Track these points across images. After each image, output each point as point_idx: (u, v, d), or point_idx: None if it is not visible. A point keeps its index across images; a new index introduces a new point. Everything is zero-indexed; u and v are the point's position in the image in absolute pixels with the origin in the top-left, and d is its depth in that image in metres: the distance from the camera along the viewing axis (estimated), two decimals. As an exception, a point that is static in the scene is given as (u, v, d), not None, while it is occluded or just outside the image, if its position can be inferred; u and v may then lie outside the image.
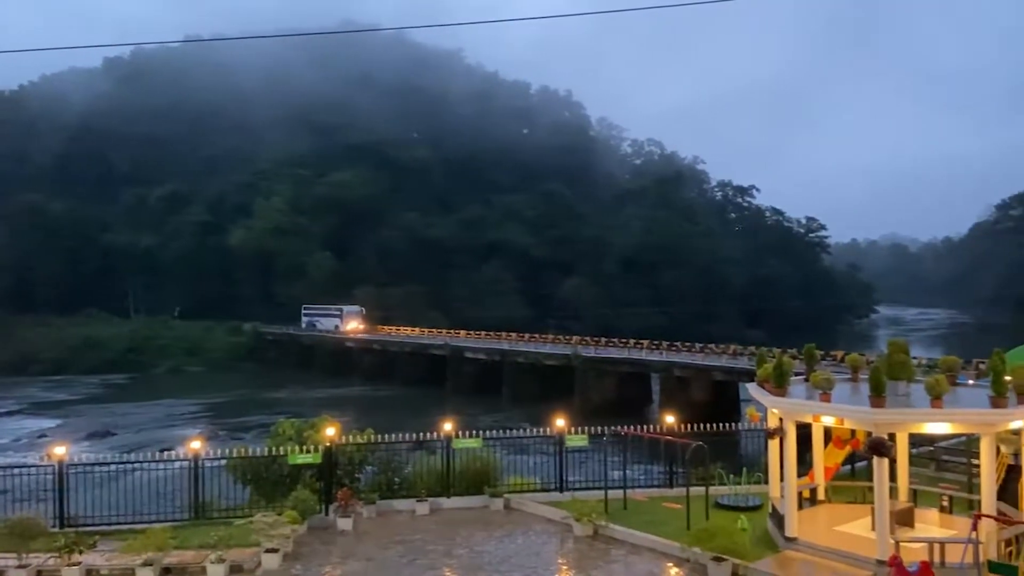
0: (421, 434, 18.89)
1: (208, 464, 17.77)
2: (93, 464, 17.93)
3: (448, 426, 18.59)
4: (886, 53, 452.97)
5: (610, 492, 17.77)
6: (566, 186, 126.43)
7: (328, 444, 17.88)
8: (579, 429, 19.27)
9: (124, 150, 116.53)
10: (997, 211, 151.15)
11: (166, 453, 18.94)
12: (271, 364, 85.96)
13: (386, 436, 18.87)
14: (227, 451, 18.38)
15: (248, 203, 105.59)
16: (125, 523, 16.82)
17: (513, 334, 72.35)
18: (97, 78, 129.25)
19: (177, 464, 17.92)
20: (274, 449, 18.00)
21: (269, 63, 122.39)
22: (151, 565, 14.06)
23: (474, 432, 19.04)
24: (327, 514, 17.28)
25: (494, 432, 19.56)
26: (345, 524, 16.73)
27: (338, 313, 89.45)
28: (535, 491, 18.86)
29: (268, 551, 14.54)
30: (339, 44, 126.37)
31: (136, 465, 18.50)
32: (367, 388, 70.16)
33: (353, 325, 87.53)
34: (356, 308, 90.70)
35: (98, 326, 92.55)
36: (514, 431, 19.99)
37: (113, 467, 18.25)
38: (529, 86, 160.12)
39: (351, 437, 18.70)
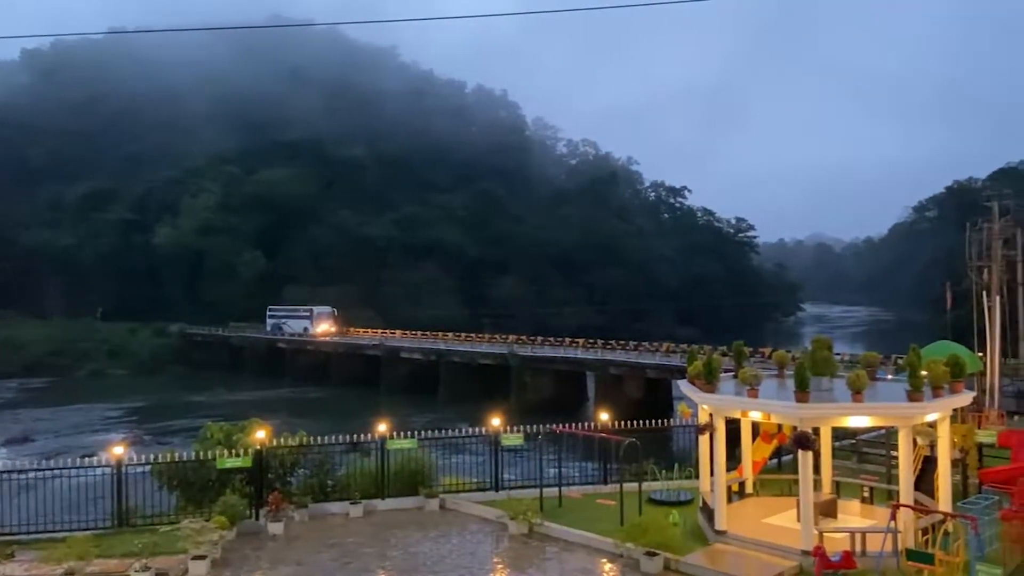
0: (355, 436, 18.66)
1: (132, 470, 17.23)
2: (10, 472, 17.14)
3: (382, 427, 18.42)
4: (815, 58, 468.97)
5: (545, 490, 17.87)
6: (502, 186, 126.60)
7: (258, 447, 17.52)
8: (515, 428, 19.33)
9: (43, 145, 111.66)
10: (915, 212, 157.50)
11: (88, 459, 18.21)
12: (199, 366, 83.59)
13: (319, 438, 18.58)
14: (152, 456, 17.82)
15: (175, 201, 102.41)
16: (45, 532, 16.22)
17: (449, 333, 72.18)
18: (15, 71, 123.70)
19: (99, 470, 17.27)
20: (202, 453, 17.52)
21: (198, 57, 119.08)
22: (73, 574, 13.55)
23: (409, 433, 18.90)
24: (257, 519, 16.92)
25: (429, 432, 19.41)
26: (276, 528, 16.41)
27: (308, 314, 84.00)
28: (470, 491, 18.84)
29: (195, 558, 14.17)
30: (270, 39, 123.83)
31: (56, 472, 17.75)
32: (299, 390, 68.93)
33: (324, 327, 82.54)
34: (327, 309, 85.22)
35: (16, 328, 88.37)
36: (449, 431, 19.85)
37: (32, 474, 17.50)
38: (465, 85, 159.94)
39: (282, 440, 18.36)
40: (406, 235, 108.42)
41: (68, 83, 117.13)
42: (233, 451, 17.34)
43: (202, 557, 14.21)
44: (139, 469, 17.46)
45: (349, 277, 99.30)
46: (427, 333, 73.60)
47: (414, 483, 18.44)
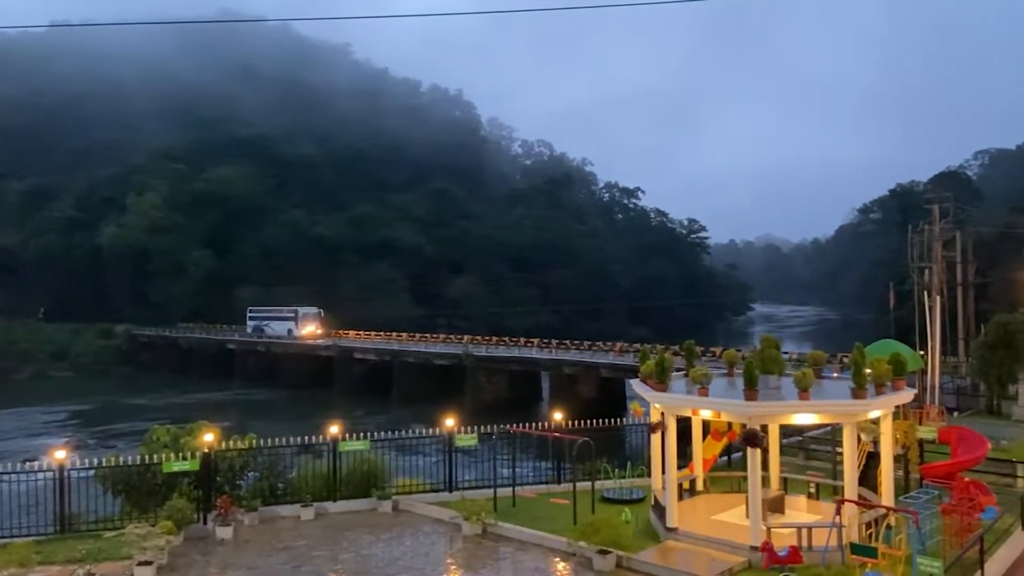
0: (307, 437, 18.43)
1: (75, 474, 16.72)
2: (-54, 478, 16.52)
3: (334, 428, 18.22)
4: (765, 61, 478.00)
5: (499, 490, 17.88)
6: (457, 185, 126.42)
7: (206, 450, 17.18)
8: (469, 428, 19.29)
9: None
10: (860, 214, 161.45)
11: (29, 464, 17.64)
12: (146, 368, 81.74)
13: (269, 440, 18.30)
14: (96, 460, 17.35)
15: (121, 199, 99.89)
16: (-18, 539, 15.63)
17: (403, 334, 71.74)
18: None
19: (40, 475, 16.74)
20: (147, 457, 17.13)
21: (144, 52, 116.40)
22: (11, 583, 13.15)
23: (362, 434, 18.73)
24: (206, 523, 16.60)
25: (383, 434, 19.25)
26: (225, 533, 16.12)
27: (292, 315, 79.27)
28: (424, 492, 18.75)
29: (141, 564, 13.85)
30: (220, 34, 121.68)
31: (-6, 477, 17.15)
32: (250, 391, 67.77)
33: (310, 329, 78.17)
34: (313, 310, 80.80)
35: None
36: (403, 432, 19.72)
37: (-32, 481, 16.87)
38: (420, 84, 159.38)
39: (232, 442, 18.04)
40: (360, 234, 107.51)
41: (8, 77, 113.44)
42: (180, 454, 16.98)
43: (148, 563, 13.89)
44: (82, 473, 16.96)
45: (301, 277, 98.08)
46: (381, 333, 73.06)
47: (367, 485, 18.29)
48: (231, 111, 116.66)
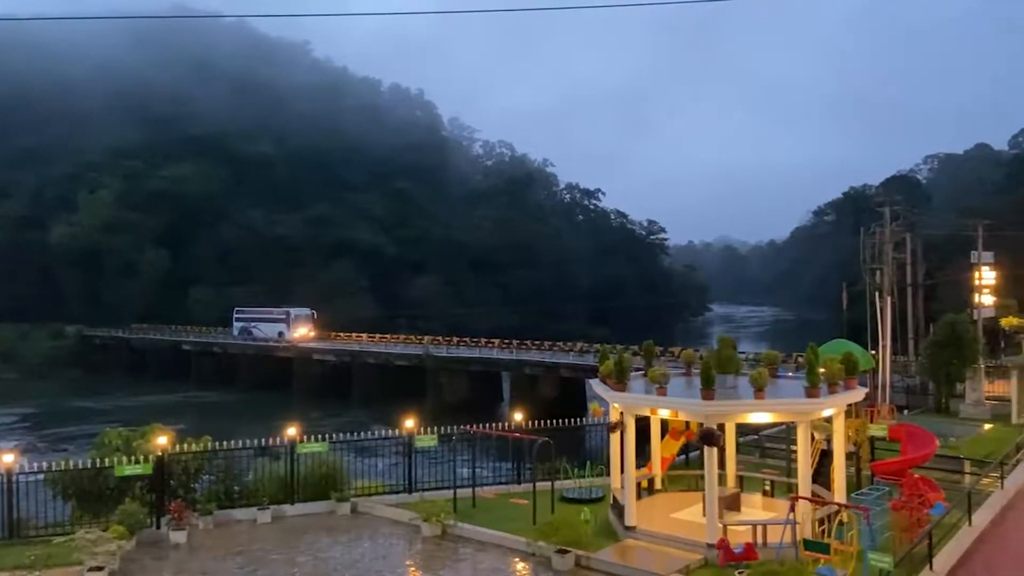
0: (264, 440, 18.20)
1: (24, 479, 16.29)
2: None
3: (292, 430, 18.03)
4: (724, 64, 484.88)
5: (459, 491, 17.86)
6: (418, 185, 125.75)
7: (160, 453, 16.88)
8: (429, 429, 19.23)
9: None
10: (814, 217, 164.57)
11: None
12: (98, 370, 79.87)
13: (225, 443, 18.03)
14: (46, 464, 16.91)
15: (72, 197, 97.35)
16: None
17: (363, 334, 71.15)
18: None
19: (-14, 481, 16.27)
20: (99, 460, 16.75)
21: (97, 48, 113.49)
22: (-45, 591, 12.76)
23: (320, 436, 18.55)
24: (159, 527, 16.31)
25: (342, 435, 19.09)
26: (178, 537, 15.84)
27: (283, 317, 75.33)
28: (383, 493, 18.64)
29: (92, 569, 13.59)
30: (175, 31, 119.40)
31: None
32: (206, 393, 66.68)
33: (303, 331, 74.25)
34: (305, 311, 76.62)
35: None
36: (363, 434, 19.56)
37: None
38: (380, 83, 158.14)
39: (186, 445, 17.73)
40: (319, 234, 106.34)
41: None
42: (133, 458, 16.65)
43: (99, 568, 13.62)
44: (31, 478, 16.52)
45: (259, 277, 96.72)
46: (340, 334, 72.36)
47: (325, 487, 18.11)
48: (186, 108, 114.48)
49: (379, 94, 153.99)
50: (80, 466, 16.83)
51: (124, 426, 19.40)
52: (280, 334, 74.18)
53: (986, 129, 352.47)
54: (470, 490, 18.15)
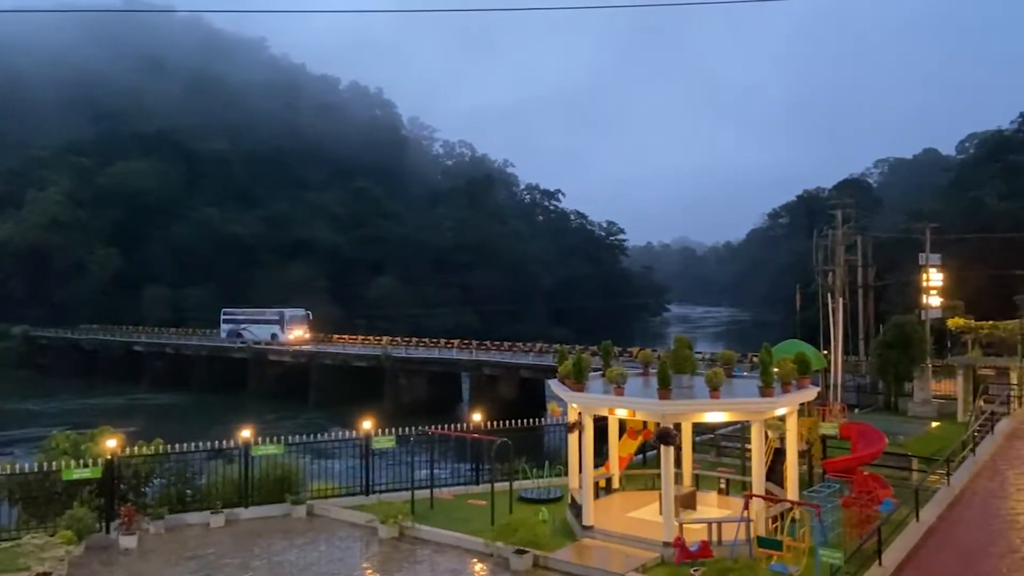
0: (217, 442, 17.89)
1: (-34, 484, 15.78)
2: None
3: (246, 432, 17.76)
4: (683, 68, 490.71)
5: (417, 492, 17.75)
6: (377, 185, 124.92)
7: (109, 457, 16.49)
8: (387, 430, 19.08)
9: None
10: (769, 219, 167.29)
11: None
12: (46, 371, 77.67)
13: (177, 445, 17.68)
14: (-10, 469, 16.41)
15: (18, 193, 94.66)
16: None
17: (321, 334, 70.32)
18: None
19: (-73, 486, 15.74)
20: (46, 464, 16.29)
21: (47, 41, 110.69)
22: None
23: (276, 438, 18.29)
24: (108, 532, 15.95)
25: (297, 437, 18.85)
26: (129, 542, 15.50)
27: (277, 319, 70.74)
28: (340, 495, 18.45)
29: (39, 575, 13.18)
30: (128, 25, 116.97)
31: None
32: (158, 395, 65.33)
33: (298, 333, 69.93)
34: (301, 312, 72.14)
35: None
36: (319, 435, 19.33)
37: None
38: (339, 81, 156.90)
39: (137, 448, 17.34)
40: (275, 233, 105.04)
41: None
42: (81, 461, 16.25)
43: (46, 574, 13.36)
44: (-26, 483, 16.04)
45: (215, 276, 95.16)
46: (334, 336, 70.78)
47: (280, 490, 17.87)
48: (139, 104, 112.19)
49: (337, 92, 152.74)
50: (27, 470, 16.37)
51: (73, 429, 18.93)
52: (273, 336, 69.75)
53: (934, 135, 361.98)
54: (428, 491, 18.06)
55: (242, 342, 70.24)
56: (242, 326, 73.23)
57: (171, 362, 72.68)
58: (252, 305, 77.44)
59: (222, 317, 75.40)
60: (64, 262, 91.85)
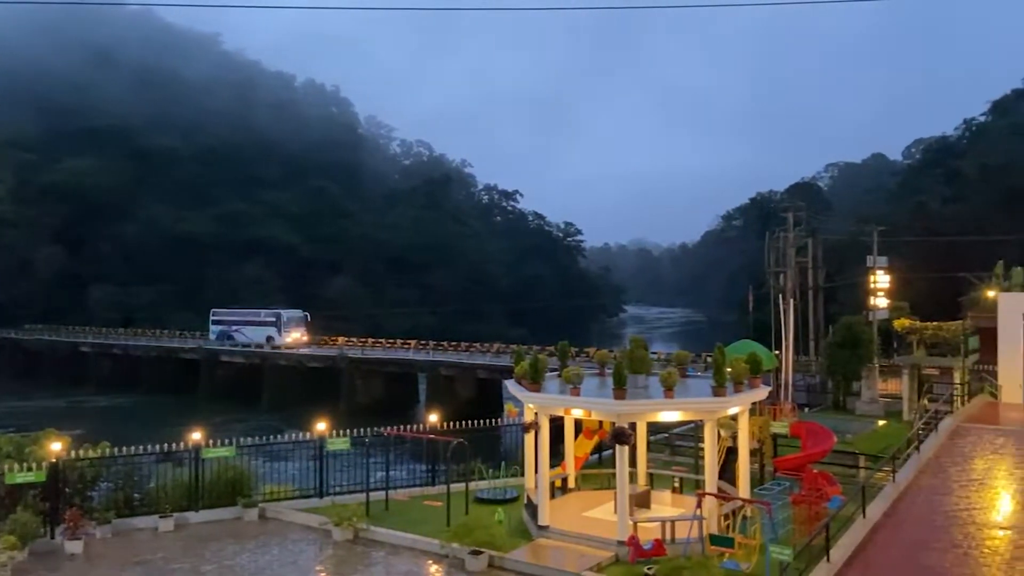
0: (167, 445, 17.53)
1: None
2: None
3: (197, 435, 17.44)
4: (638, 70, 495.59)
5: (372, 494, 17.63)
6: (333, 183, 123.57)
7: (54, 460, 16.05)
8: (342, 432, 18.90)
9: None
10: (723, 221, 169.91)
11: None
12: (-12, 373, 75.20)
13: (125, 448, 17.29)
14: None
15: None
16: None
17: (320, 337, 68.40)
18: None
19: None
20: (-13, 469, 15.78)
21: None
22: None
23: (227, 440, 17.99)
24: (53, 537, 15.53)
25: (250, 439, 18.56)
26: (74, 547, 15.11)
27: (273, 320, 66.58)
28: (293, 498, 18.22)
29: (-23, 585, 12.79)
30: (76, 17, 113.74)
31: None
32: (106, 397, 63.68)
33: (296, 335, 66.39)
34: (298, 313, 68.61)
35: None
36: (272, 437, 19.06)
37: None
38: (294, 78, 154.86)
39: (83, 451, 16.91)
40: (229, 232, 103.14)
41: None
42: (25, 464, 15.78)
43: (-14, 583, 12.88)
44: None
45: (167, 276, 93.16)
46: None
47: (232, 493, 17.60)
48: (88, 99, 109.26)
49: (293, 89, 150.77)
50: (-35, 475, 15.85)
51: (16, 432, 18.47)
52: (269, 339, 65.62)
53: (882, 140, 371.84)
54: (383, 493, 17.94)
55: (233, 345, 66.55)
56: (233, 328, 68.44)
57: (119, 363, 70.92)
58: (205, 305, 75.59)
59: (211, 318, 70.64)
60: (7, 261, 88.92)
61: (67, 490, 16.38)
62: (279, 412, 52.25)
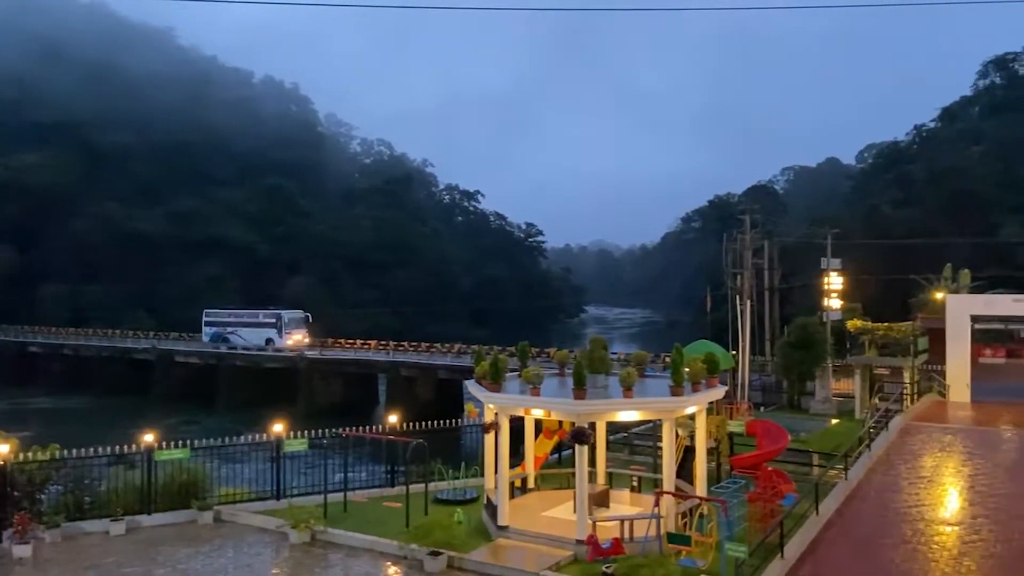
0: (119, 447, 17.15)
1: None
2: None
3: (149, 437, 17.09)
4: (600, 71, 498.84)
5: (330, 496, 17.47)
6: (292, 182, 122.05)
7: (1, 463, 15.61)
8: (300, 433, 18.70)
9: None
10: (683, 223, 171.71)
11: None
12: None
13: (76, 451, 16.89)
14: None
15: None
16: None
17: (321, 339, 67.11)
18: None
19: None
20: (-72, 474, 15.30)
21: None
22: None
23: (182, 442, 17.67)
24: (1, 542, 15.12)
25: (204, 441, 18.24)
26: (22, 552, 14.72)
27: (272, 321, 63.59)
28: (249, 500, 17.97)
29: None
30: (22, 8, 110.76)
31: None
32: (55, 399, 62.11)
33: (297, 337, 63.25)
34: (299, 313, 65.65)
35: None
36: (228, 439, 18.76)
37: None
38: (252, 75, 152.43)
39: (31, 454, 16.48)
40: (184, 231, 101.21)
41: None
42: (-32, 470, 15.32)
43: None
44: None
45: (119, 275, 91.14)
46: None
47: (186, 496, 17.29)
48: (35, 93, 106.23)
49: (251, 86, 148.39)
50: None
51: (-41, 435, 17.83)
52: (268, 341, 62.71)
53: (836, 144, 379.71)
54: (342, 495, 17.79)
55: (229, 348, 63.46)
56: (229, 330, 65.52)
57: (70, 364, 69.24)
58: (158, 305, 74.27)
59: (204, 319, 67.58)
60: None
61: (15, 493, 15.98)
62: (236, 414, 51.46)
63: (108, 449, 17.14)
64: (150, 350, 65.30)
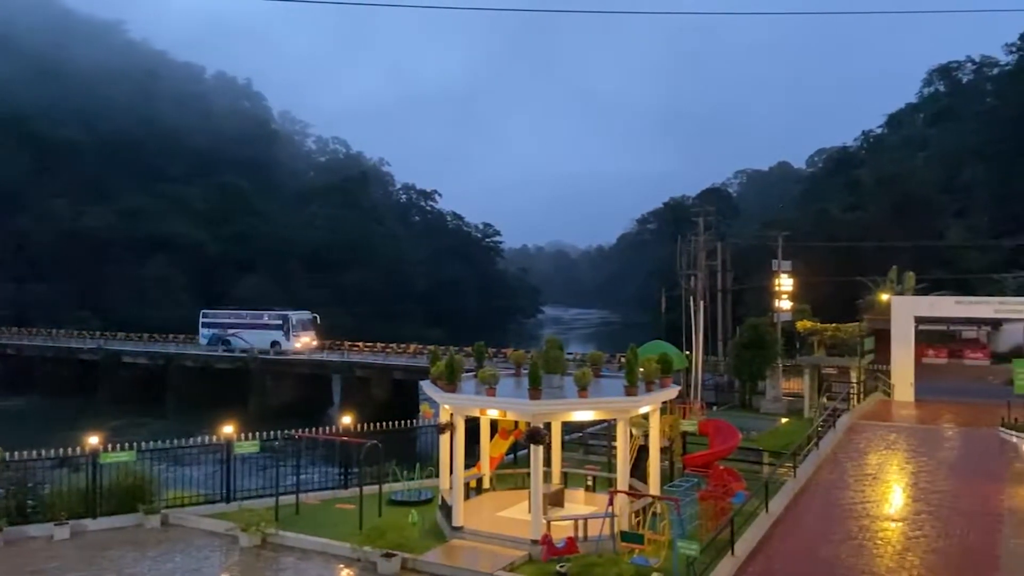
0: (63, 449, 16.69)
1: None
2: None
3: (94, 439, 16.65)
4: (556, 72, 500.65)
5: (282, 498, 17.23)
6: (244, 179, 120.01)
7: (-63, 468, 15.06)
8: (251, 435, 18.41)
9: None
10: (638, 225, 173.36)
11: None
12: None
13: (18, 453, 16.39)
14: None
15: None
16: None
17: (181, 335, 66.65)
18: None
19: None
20: None
21: None
22: None
23: (128, 444, 17.24)
24: (-66, 551, 14.54)
25: (152, 443, 17.83)
26: (-42, 561, 14.19)
27: (279, 323, 59.90)
28: (198, 504, 17.63)
29: None
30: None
31: None
32: (-3, 401, 60.18)
33: (306, 340, 59.57)
34: (307, 315, 61.93)
35: None
36: (176, 441, 18.36)
37: None
38: (204, 70, 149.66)
39: (-31, 457, 15.93)
40: (132, 228, 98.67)
41: None
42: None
43: None
44: None
45: (65, 272, 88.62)
46: (155, 335, 67.28)
47: (132, 499, 16.89)
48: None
49: (202, 82, 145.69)
50: None
51: None
52: (274, 344, 58.70)
53: (787, 148, 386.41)
54: (294, 497, 17.56)
55: (229, 351, 59.74)
56: (230, 331, 61.63)
57: (12, 364, 67.08)
58: (104, 304, 72.26)
59: (201, 320, 63.95)
60: None
61: (-47, 498, 15.45)
62: (185, 415, 50.41)
63: (52, 451, 16.68)
64: (96, 350, 63.64)
